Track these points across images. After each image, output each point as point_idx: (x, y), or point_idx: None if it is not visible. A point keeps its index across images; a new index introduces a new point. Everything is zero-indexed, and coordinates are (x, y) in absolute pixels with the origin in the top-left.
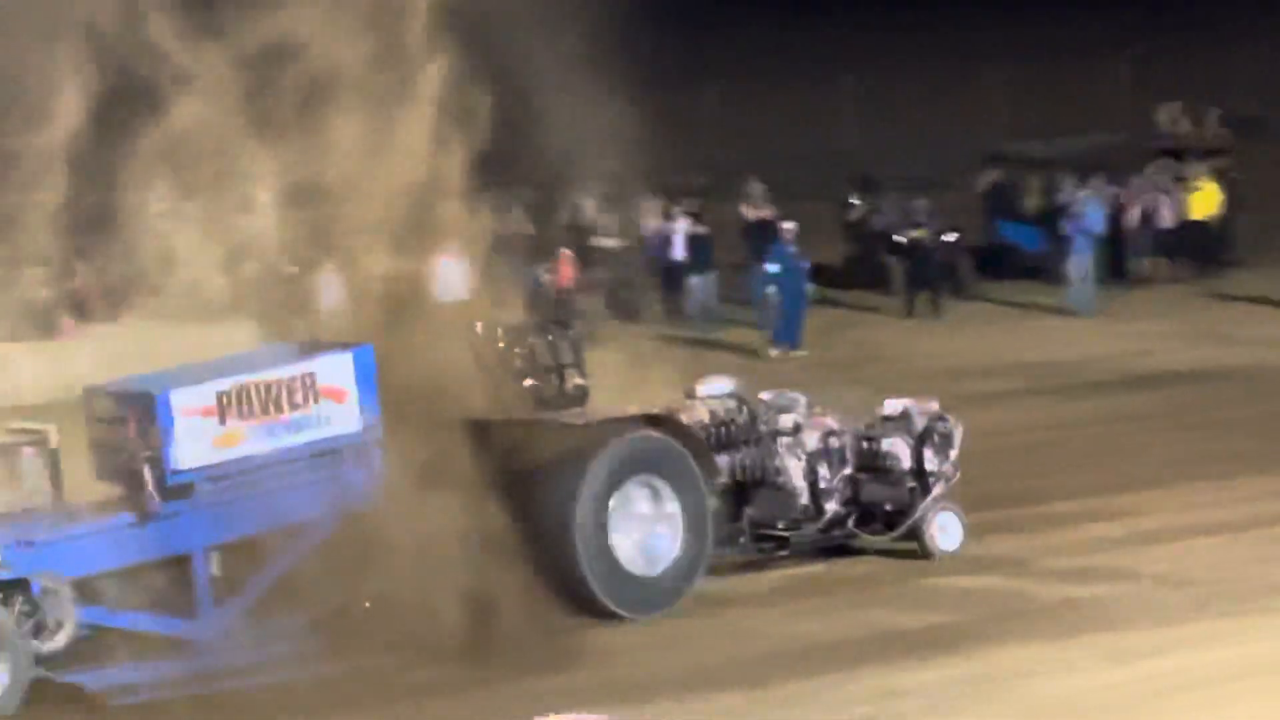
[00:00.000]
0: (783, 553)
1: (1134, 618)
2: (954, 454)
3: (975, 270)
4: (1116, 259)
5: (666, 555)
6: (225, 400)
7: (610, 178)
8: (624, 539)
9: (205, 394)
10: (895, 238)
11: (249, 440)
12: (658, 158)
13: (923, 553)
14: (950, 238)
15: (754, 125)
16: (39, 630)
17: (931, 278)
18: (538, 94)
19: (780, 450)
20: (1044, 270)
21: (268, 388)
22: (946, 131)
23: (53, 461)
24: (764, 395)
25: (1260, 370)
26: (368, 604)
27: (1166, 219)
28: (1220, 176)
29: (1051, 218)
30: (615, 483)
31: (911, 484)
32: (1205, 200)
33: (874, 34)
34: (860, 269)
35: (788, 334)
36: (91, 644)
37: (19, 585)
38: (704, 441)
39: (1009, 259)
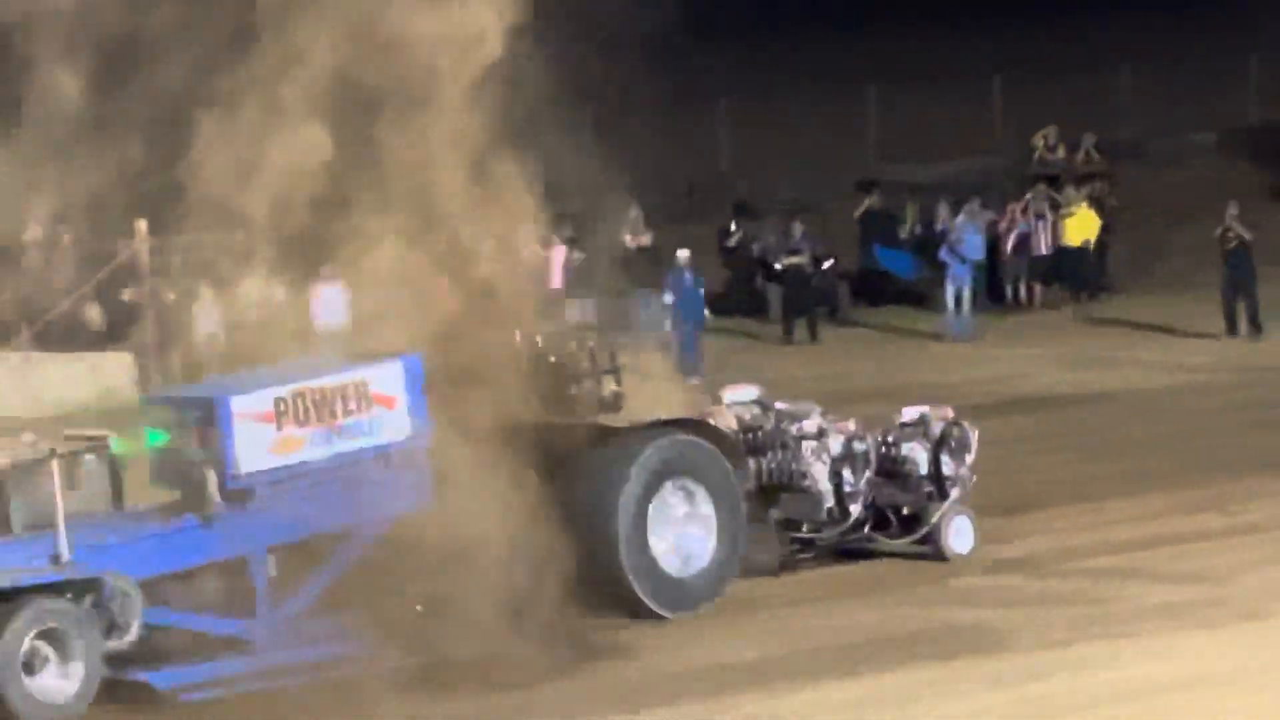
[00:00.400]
0: (805, 555)
1: (1015, 641)
2: (969, 459)
3: (852, 296)
4: (993, 284)
5: (701, 556)
6: (282, 406)
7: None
8: (661, 539)
9: (264, 400)
10: (773, 264)
11: (305, 445)
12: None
13: (937, 555)
14: (827, 264)
15: (630, 150)
16: (107, 630)
17: (809, 304)
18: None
19: (805, 454)
20: (921, 296)
21: (323, 394)
22: (823, 156)
23: (112, 467)
24: (779, 404)
25: (1134, 394)
26: (419, 607)
27: (1043, 244)
28: (1096, 202)
29: (928, 243)
30: (655, 485)
31: (929, 488)
32: (1081, 226)
33: (750, 57)
34: (738, 295)
35: (689, 361)
36: (154, 643)
37: (90, 585)
38: (738, 445)
39: (886, 284)
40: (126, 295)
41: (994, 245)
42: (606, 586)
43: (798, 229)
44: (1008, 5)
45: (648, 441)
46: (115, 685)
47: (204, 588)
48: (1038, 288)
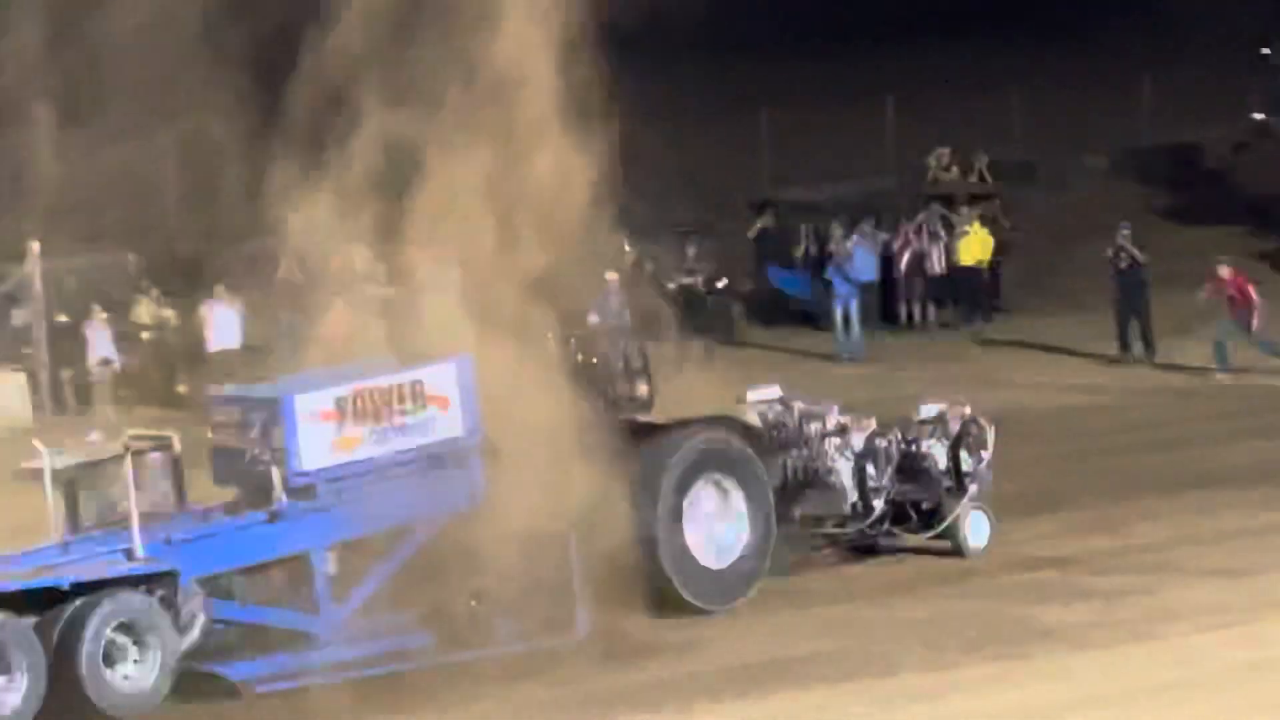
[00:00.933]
0: (824, 551)
1: (905, 662)
2: (986, 456)
3: (746, 316)
4: (886, 305)
5: (734, 549)
6: (343, 405)
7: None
8: (696, 534)
9: (326, 399)
10: (667, 284)
11: (364, 444)
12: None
13: (956, 550)
14: (721, 284)
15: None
16: (176, 624)
17: (703, 324)
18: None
19: (830, 451)
20: (815, 316)
21: (381, 394)
22: (716, 176)
23: (176, 466)
24: (797, 403)
25: (1027, 414)
26: (474, 602)
27: (936, 265)
28: (989, 222)
29: (822, 264)
30: (690, 480)
31: (947, 484)
32: (974, 246)
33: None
34: (633, 315)
35: None
36: (218, 638)
37: (163, 580)
38: (768, 442)
39: (780, 305)
40: (18, 317)
41: (888, 266)
42: (646, 580)
43: (692, 249)
44: (900, 26)
45: (683, 438)
46: (190, 677)
47: (267, 583)
48: (931, 308)
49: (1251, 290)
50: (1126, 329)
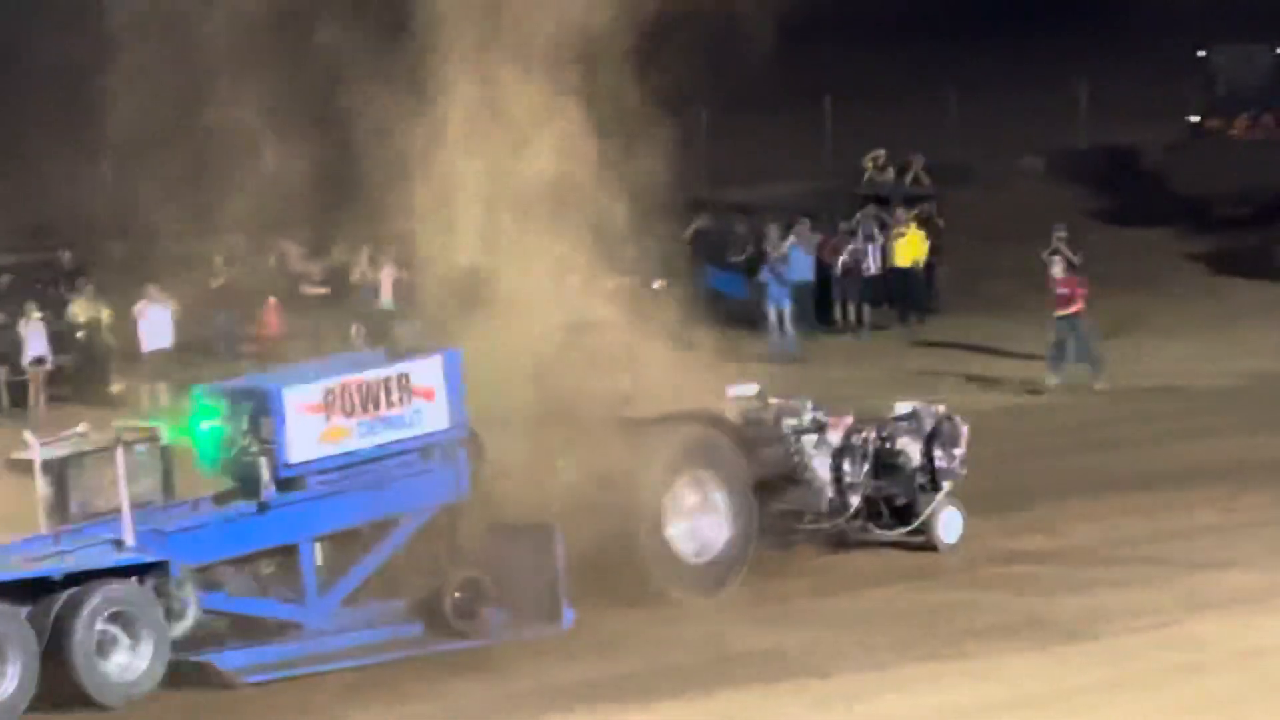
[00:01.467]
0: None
1: (839, 662)
2: (960, 452)
3: (682, 316)
4: (822, 305)
5: (714, 544)
6: (331, 398)
7: (316, 224)
8: (677, 529)
9: (314, 392)
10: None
11: (351, 436)
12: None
13: (928, 546)
14: (657, 284)
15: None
16: (167, 614)
17: (641, 324)
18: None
19: (807, 447)
20: (752, 317)
21: (368, 387)
22: (652, 177)
23: (165, 457)
24: (773, 400)
25: (958, 414)
26: (460, 593)
27: (872, 266)
28: (924, 224)
29: (758, 265)
30: (672, 475)
31: (922, 480)
32: (910, 247)
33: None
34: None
35: None
36: (209, 628)
37: (154, 570)
38: (747, 437)
39: (715, 306)
40: None
41: (824, 267)
42: (626, 575)
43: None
44: (839, 29)
45: (666, 433)
46: (181, 667)
47: (256, 574)
48: (867, 308)
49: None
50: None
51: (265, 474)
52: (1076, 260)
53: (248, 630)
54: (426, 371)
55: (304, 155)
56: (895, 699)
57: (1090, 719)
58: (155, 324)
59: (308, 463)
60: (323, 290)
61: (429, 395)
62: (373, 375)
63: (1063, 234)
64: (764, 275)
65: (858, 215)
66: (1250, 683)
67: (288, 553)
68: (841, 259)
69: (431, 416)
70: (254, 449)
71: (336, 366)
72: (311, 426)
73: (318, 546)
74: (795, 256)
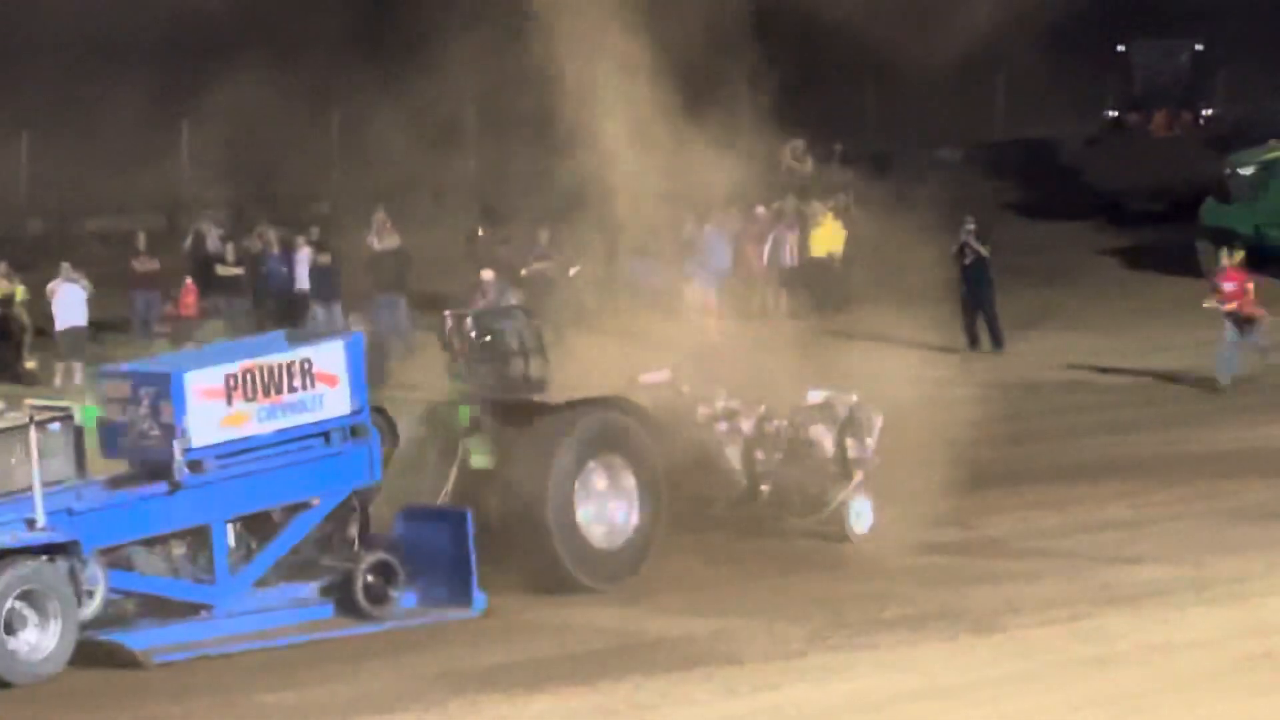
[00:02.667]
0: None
1: (751, 650)
2: (872, 442)
3: (600, 304)
4: (741, 293)
5: (624, 529)
6: (232, 382)
7: (232, 206)
8: (587, 514)
9: (215, 376)
10: (521, 270)
11: (253, 420)
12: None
13: (841, 535)
14: (573, 270)
15: (378, 153)
16: (78, 593)
17: (556, 311)
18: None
19: (719, 434)
20: (669, 304)
21: (270, 371)
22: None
23: (78, 437)
24: (685, 388)
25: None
26: (372, 577)
27: (789, 255)
28: (841, 214)
29: (677, 252)
30: (583, 459)
31: (833, 469)
32: (826, 237)
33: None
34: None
35: None
36: (118, 608)
37: (65, 550)
38: (659, 424)
39: (634, 292)
40: None
41: (741, 255)
42: (536, 560)
43: (544, 235)
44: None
45: (577, 418)
46: (90, 646)
47: (165, 555)
48: (783, 298)
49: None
50: (974, 323)
51: (178, 455)
52: (985, 253)
53: (158, 611)
54: (329, 357)
55: (223, 137)
56: (805, 688)
57: (999, 710)
58: (68, 302)
59: (208, 447)
60: (237, 271)
61: (331, 381)
62: (275, 360)
63: (971, 227)
64: (687, 265)
65: (776, 204)
66: (1159, 677)
67: (199, 534)
68: (757, 248)
69: (334, 402)
70: (155, 432)
71: (239, 351)
72: (212, 411)
73: (229, 528)
74: (713, 245)
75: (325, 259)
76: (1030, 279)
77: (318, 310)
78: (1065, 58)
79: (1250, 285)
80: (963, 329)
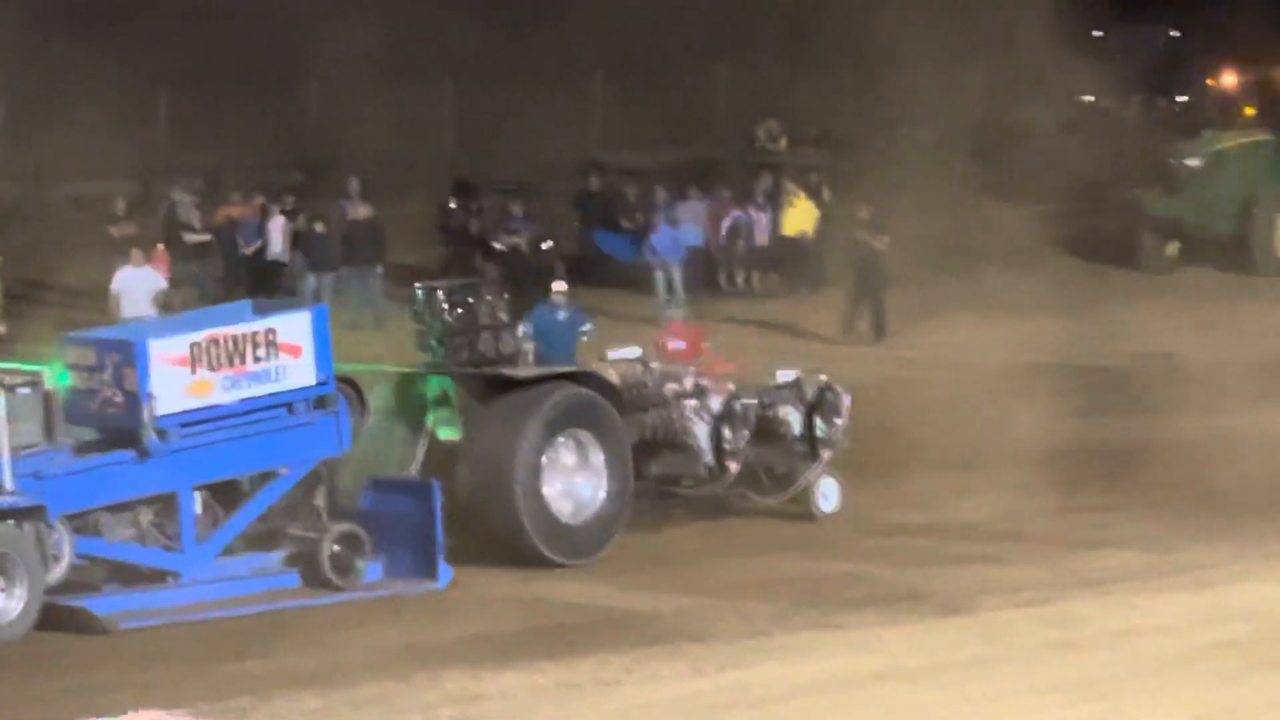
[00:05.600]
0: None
1: (717, 629)
2: (841, 422)
3: (570, 278)
4: (711, 272)
5: (592, 504)
6: (196, 351)
7: (206, 174)
8: (554, 488)
9: (180, 344)
10: (492, 243)
11: (217, 389)
12: (255, 154)
13: (808, 515)
14: (546, 245)
15: (352, 125)
16: (44, 558)
17: (526, 284)
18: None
19: (687, 412)
20: (639, 279)
21: (234, 341)
22: (545, 138)
23: (47, 402)
24: (655, 364)
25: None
26: (338, 547)
27: (762, 234)
28: (815, 193)
29: (647, 228)
30: (551, 434)
31: (801, 449)
32: (799, 217)
33: (474, 37)
34: (455, 273)
35: None
36: (85, 574)
37: (31, 514)
38: (628, 400)
39: (604, 268)
40: None
41: (713, 233)
42: (503, 534)
43: (516, 209)
44: None
45: (545, 392)
46: (55, 611)
47: (132, 521)
48: (756, 276)
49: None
50: (854, 310)
51: (147, 421)
52: (881, 246)
53: (124, 577)
54: (293, 327)
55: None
56: (771, 667)
57: (964, 693)
58: (132, 286)
59: (172, 415)
60: (205, 238)
61: (295, 351)
62: (239, 330)
63: (865, 216)
64: (655, 239)
65: (754, 182)
66: (1124, 661)
67: (166, 501)
68: (732, 226)
69: (297, 373)
70: (118, 399)
71: (203, 320)
72: (177, 379)
73: (197, 496)
74: (684, 222)
75: (320, 227)
76: (1000, 262)
77: (310, 279)
78: (1042, 41)
79: None
80: (843, 313)
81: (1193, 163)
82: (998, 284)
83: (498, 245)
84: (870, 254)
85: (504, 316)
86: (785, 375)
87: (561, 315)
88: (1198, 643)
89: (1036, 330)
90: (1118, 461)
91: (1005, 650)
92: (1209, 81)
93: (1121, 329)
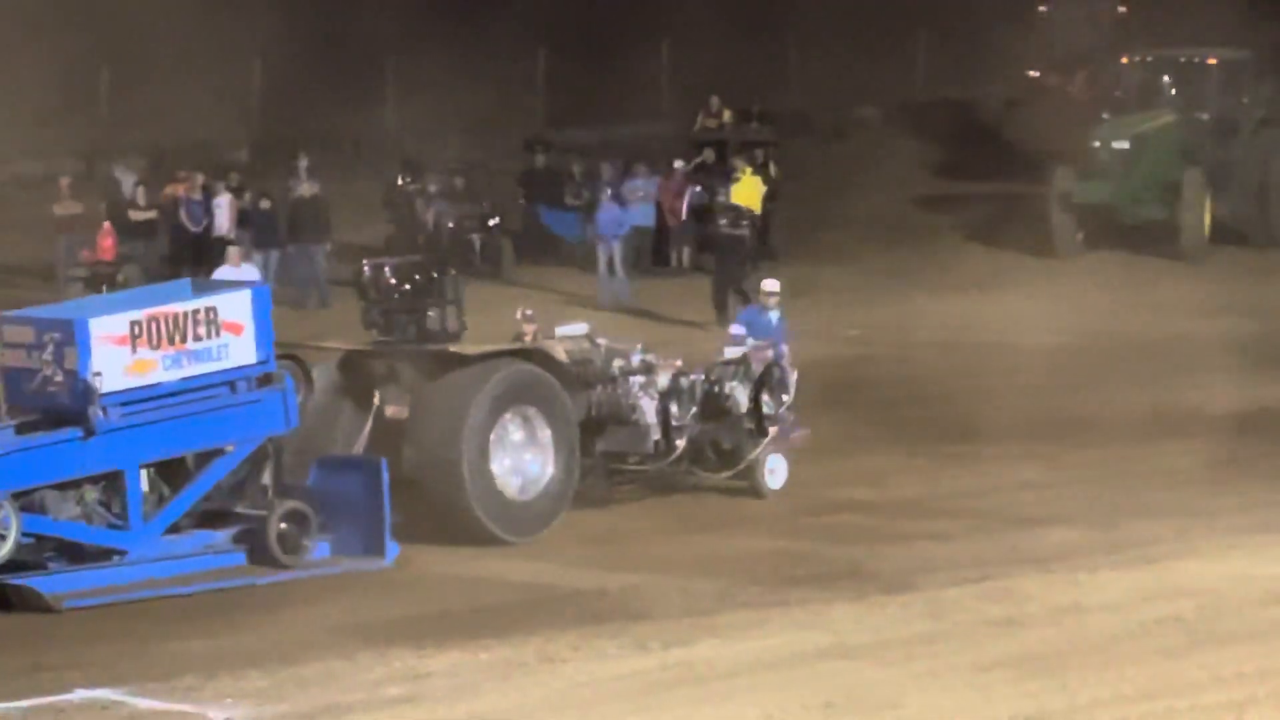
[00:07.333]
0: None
1: (662, 607)
2: (788, 399)
3: (516, 255)
4: (657, 249)
5: (539, 481)
6: (137, 330)
7: (150, 152)
8: (501, 465)
9: (120, 323)
10: (438, 221)
11: (158, 368)
12: (202, 132)
13: (754, 492)
14: (493, 222)
15: (299, 102)
16: None
17: (472, 261)
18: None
19: (634, 389)
20: (584, 257)
21: (175, 319)
22: (490, 115)
23: None
24: (601, 340)
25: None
26: (285, 525)
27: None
28: (760, 170)
29: (593, 205)
30: (498, 411)
31: (748, 426)
32: (745, 193)
33: (418, 13)
34: (401, 250)
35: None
36: (30, 552)
37: None
38: (574, 377)
39: (549, 245)
40: None
41: (659, 210)
42: (450, 511)
43: (462, 186)
44: None
45: (492, 369)
46: (2, 590)
47: (78, 499)
48: (688, 253)
49: None
50: (722, 294)
51: (94, 399)
52: (739, 233)
53: (70, 555)
54: (234, 306)
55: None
56: (715, 644)
57: (908, 669)
58: None
59: (112, 394)
60: (150, 215)
61: (237, 330)
62: (180, 308)
63: (722, 199)
64: (598, 217)
65: (697, 159)
66: (1068, 638)
67: (113, 479)
68: (676, 203)
69: (239, 351)
70: (59, 379)
71: (143, 298)
72: (117, 358)
73: (143, 474)
74: (628, 200)
75: (266, 204)
76: (948, 239)
77: (256, 257)
78: (986, 17)
79: None
80: (712, 300)
81: (1120, 145)
82: (945, 261)
83: (444, 222)
84: (733, 239)
85: (450, 292)
86: (732, 351)
87: (773, 317)
88: (1142, 619)
89: (985, 307)
90: (1061, 437)
91: (949, 627)
92: (1123, 60)
93: (1065, 307)
